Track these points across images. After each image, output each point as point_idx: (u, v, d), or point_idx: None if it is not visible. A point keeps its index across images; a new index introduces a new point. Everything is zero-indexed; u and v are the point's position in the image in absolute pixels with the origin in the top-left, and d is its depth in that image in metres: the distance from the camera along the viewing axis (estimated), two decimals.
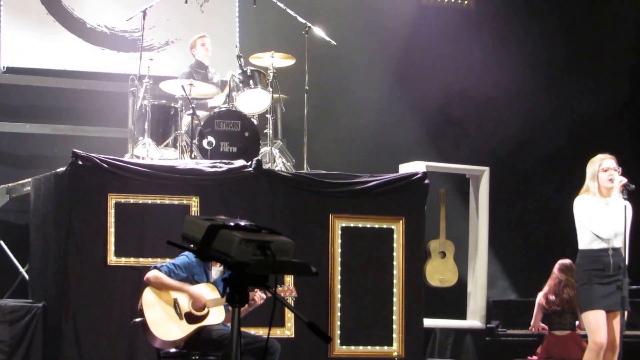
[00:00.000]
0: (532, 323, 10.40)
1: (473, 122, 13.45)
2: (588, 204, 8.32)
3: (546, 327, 10.36)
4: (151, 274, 7.82)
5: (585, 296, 8.32)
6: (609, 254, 8.25)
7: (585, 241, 8.36)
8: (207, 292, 7.83)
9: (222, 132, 10.28)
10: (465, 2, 14.01)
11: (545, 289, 10.34)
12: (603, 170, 8.32)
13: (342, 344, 9.62)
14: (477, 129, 13.39)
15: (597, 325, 8.22)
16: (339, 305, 9.63)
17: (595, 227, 8.25)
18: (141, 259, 9.05)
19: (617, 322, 8.29)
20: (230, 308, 4.55)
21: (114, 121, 11.99)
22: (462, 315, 11.46)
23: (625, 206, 8.25)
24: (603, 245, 8.27)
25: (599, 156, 8.44)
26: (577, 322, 10.09)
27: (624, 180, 8.25)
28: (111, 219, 9.08)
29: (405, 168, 10.81)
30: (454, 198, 12.40)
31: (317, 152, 11.52)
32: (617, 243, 8.29)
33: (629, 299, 8.33)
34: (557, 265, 10.36)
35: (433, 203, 11.38)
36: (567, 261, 10.09)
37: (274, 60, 10.84)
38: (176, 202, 9.28)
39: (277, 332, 9.27)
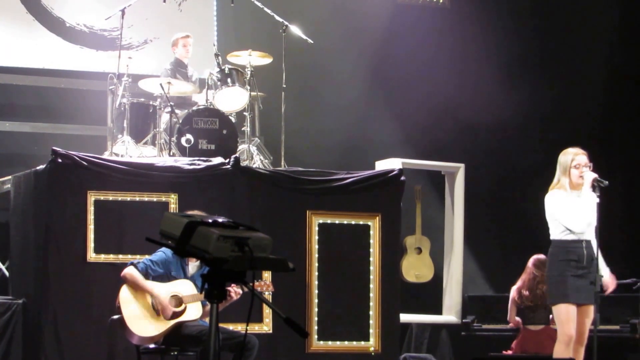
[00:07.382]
0: (508, 317, 10.49)
1: (448, 119, 13.48)
2: (560, 199, 8.35)
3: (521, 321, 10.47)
4: (127, 272, 7.87)
5: (558, 288, 8.35)
6: (583, 246, 8.30)
7: (557, 231, 8.40)
8: (184, 288, 7.88)
9: (200, 130, 10.32)
10: (441, 0, 14.10)
11: (519, 283, 10.38)
12: (575, 167, 8.35)
13: (319, 339, 9.67)
14: (453, 126, 13.42)
15: (568, 318, 8.26)
16: (316, 300, 9.68)
17: (568, 221, 8.28)
18: (120, 256, 9.07)
19: (587, 316, 8.37)
20: (207, 303, 4.60)
21: (93, 119, 12.02)
22: (438, 311, 11.52)
23: (595, 202, 8.30)
24: (575, 237, 8.32)
25: (572, 150, 8.45)
26: (551, 317, 10.04)
27: (595, 175, 8.28)
28: (90, 216, 9.11)
29: (382, 165, 10.86)
30: (430, 195, 12.44)
31: (295, 150, 11.57)
32: (589, 235, 8.33)
33: (600, 293, 8.43)
34: (531, 261, 10.37)
35: (409, 200, 11.44)
36: (542, 256, 9.95)
37: (251, 58, 10.89)
38: (155, 199, 9.34)
39: (255, 328, 9.29)
